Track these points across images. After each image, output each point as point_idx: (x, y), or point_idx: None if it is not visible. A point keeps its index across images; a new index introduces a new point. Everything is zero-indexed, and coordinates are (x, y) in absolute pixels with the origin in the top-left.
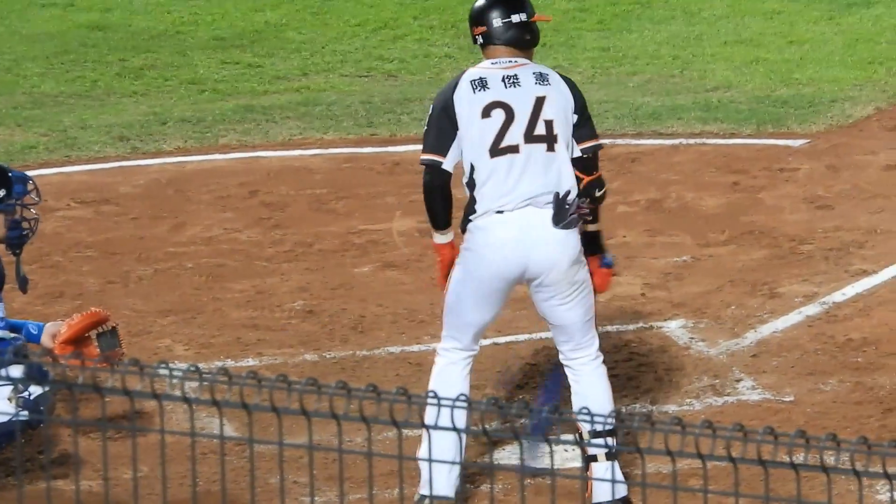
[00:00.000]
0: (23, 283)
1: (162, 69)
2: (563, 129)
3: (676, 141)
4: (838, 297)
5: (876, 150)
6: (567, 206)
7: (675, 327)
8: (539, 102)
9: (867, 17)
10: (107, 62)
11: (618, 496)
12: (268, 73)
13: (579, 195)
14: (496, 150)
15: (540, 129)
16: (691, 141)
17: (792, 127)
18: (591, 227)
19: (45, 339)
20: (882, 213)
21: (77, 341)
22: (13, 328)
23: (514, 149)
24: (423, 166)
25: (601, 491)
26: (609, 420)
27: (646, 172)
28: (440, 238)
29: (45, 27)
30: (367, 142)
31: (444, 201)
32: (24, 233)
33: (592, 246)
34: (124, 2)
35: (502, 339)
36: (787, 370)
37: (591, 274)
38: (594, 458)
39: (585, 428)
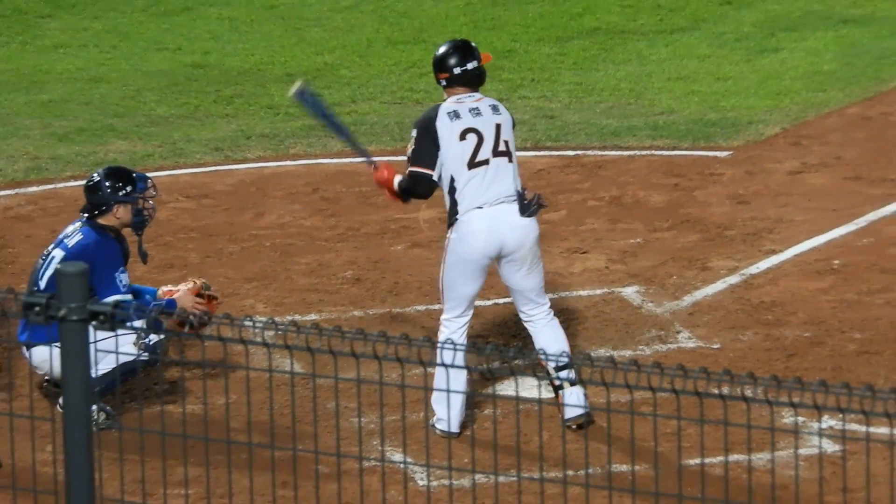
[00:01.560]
0: (143, 257)
1: (247, 97)
2: (512, 145)
3: (632, 152)
4: (753, 269)
5: (781, 159)
6: (528, 201)
7: (630, 292)
8: (498, 127)
9: (776, 60)
10: (206, 92)
11: (585, 408)
12: (326, 101)
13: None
14: (472, 164)
15: (501, 147)
16: (643, 152)
17: (719, 142)
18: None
19: (183, 299)
20: (786, 206)
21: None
22: (134, 292)
23: (485, 162)
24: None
25: (570, 409)
26: (566, 355)
27: (609, 176)
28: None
29: (160, 66)
30: (400, 152)
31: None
32: (145, 218)
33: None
34: (219, 46)
35: (501, 301)
36: (715, 325)
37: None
38: (561, 387)
39: (550, 365)
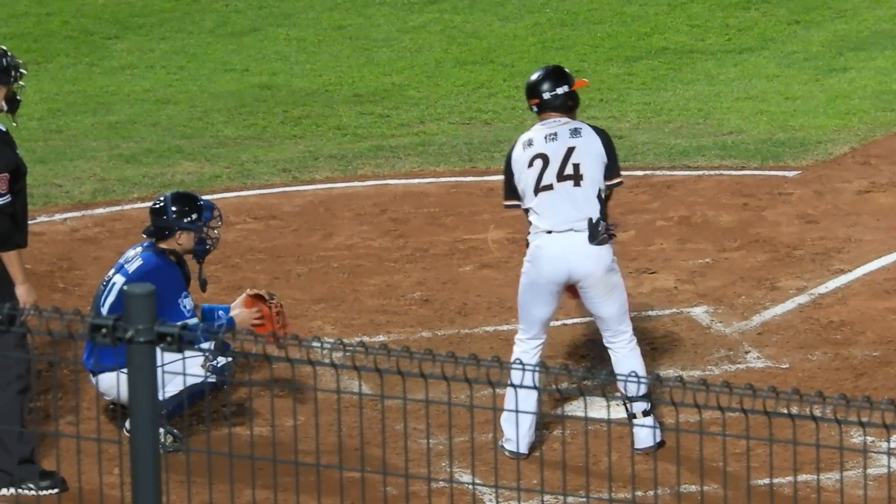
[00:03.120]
0: (203, 285)
1: (315, 118)
2: (590, 170)
3: (700, 172)
4: (822, 289)
5: (850, 179)
6: (599, 229)
7: (699, 312)
8: (570, 151)
9: (844, 80)
10: (273, 113)
11: (656, 441)
12: (394, 121)
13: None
14: (538, 189)
15: (568, 171)
16: (712, 172)
17: (788, 162)
18: None
19: (240, 316)
20: (855, 226)
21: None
22: (206, 311)
23: (549, 187)
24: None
25: (641, 439)
26: (643, 384)
27: (677, 196)
28: None
29: (227, 87)
30: (468, 173)
31: None
32: (207, 247)
33: None
34: (286, 67)
35: (570, 321)
36: (784, 345)
37: None
38: (634, 416)
39: (626, 392)
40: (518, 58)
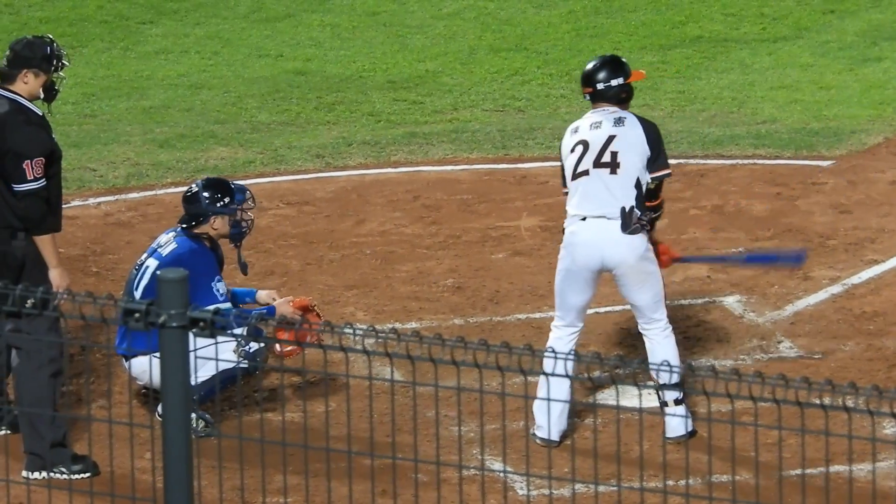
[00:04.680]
0: (244, 268)
1: (348, 104)
2: (628, 159)
3: (734, 161)
4: (855, 279)
5: (884, 169)
6: (632, 218)
7: (732, 301)
8: (610, 139)
9: (879, 70)
10: (307, 99)
11: (687, 430)
12: (428, 108)
13: (643, 214)
14: (575, 175)
15: (606, 158)
16: (745, 161)
17: (821, 151)
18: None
19: (282, 307)
20: (889, 216)
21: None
22: (235, 294)
23: (585, 173)
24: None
25: (672, 428)
26: (675, 373)
27: (710, 185)
28: None
29: (261, 72)
30: (501, 160)
31: None
32: (243, 230)
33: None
34: (320, 53)
35: (602, 310)
36: (817, 334)
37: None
38: (666, 404)
39: (658, 380)
40: (552, 45)
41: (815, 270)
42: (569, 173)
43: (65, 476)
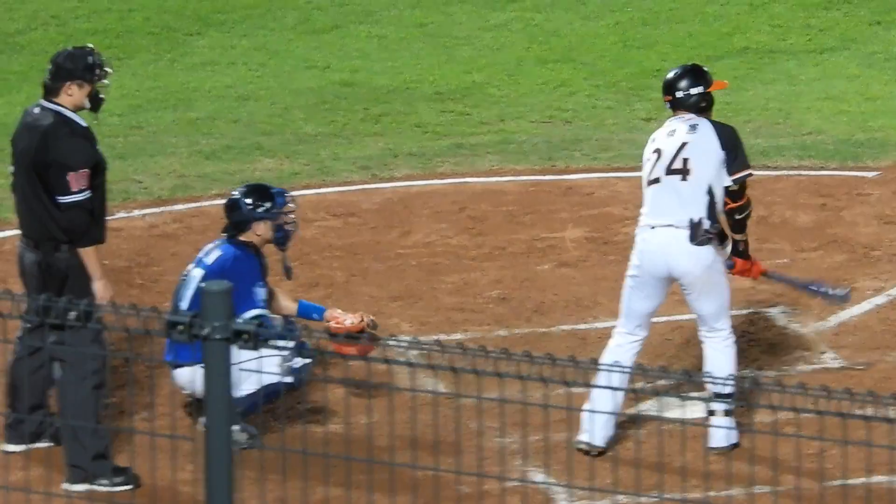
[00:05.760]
0: (288, 272)
1: (395, 116)
2: (700, 166)
3: (779, 172)
4: None
5: None
6: (700, 229)
7: (776, 312)
8: (683, 146)
9: None
10: (353, 110)
11: (731, 442)
12: (474, 119)
13: (726, 214)
14: (648, 182)
15: (677, 165)
16: (791, 172)
17: (867, 162)
18: (737, 236)
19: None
20: None
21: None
22: (306, 308)
23: (657, 180)
24: None
25: (717, 438)
26: (728, 384)
27: (756, 195)
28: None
29: (308, 84)
30: (548, 171)
31: None
32: (287, 233)
33: (742, 252)
34: (367, 65)
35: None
36: (861, 345)
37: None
38: (713, 413)
39: (710, 388)
40: (599, 56)
41: (860, 281)
42: (644, 181)
43: (106, 488)
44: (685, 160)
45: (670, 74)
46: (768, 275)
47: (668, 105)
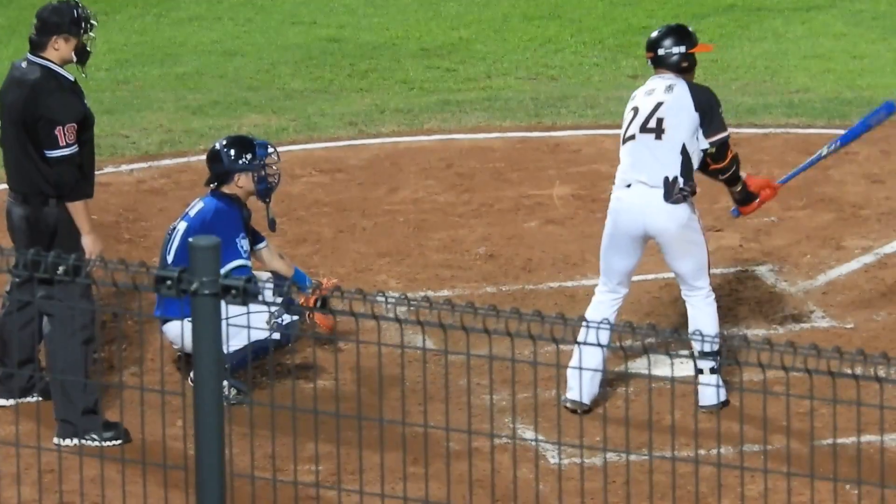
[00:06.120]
0: (272, 224)
1: (381, 72)
2: (674, 125)
3: (767, 130)
4: (888, 249)
5: None
6: (674, 187)
7: (764, 271)
8: (658, 105)
9: None
10: (340, 66)
11: (720, 400)
12: (461, 76)
13: (710, 175)
14: (624, 139)
15: (651, 124)
16: (778, 130)
17: (854, 121)
18: (732, 188)
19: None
20: None
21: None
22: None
23: (632, 137)
24: None
25: (705, 396)
26: (713, 342)
27: (744, 154)
28: None
29: (295, 39)
30: (534, 128)
31: None
32: (270, 185)
33: (742, 199)
34: (354, 21)
35: (635, 279)
36: (849, 304)
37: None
38: (701, 371)
39: (696, 347)
40: (585, 13)
41: (848, 240)
42: (620, 139)
43: (96, 443)
44: (659, 120)
45: (656, 32)
46: (784, 181)
47: (649, 62)
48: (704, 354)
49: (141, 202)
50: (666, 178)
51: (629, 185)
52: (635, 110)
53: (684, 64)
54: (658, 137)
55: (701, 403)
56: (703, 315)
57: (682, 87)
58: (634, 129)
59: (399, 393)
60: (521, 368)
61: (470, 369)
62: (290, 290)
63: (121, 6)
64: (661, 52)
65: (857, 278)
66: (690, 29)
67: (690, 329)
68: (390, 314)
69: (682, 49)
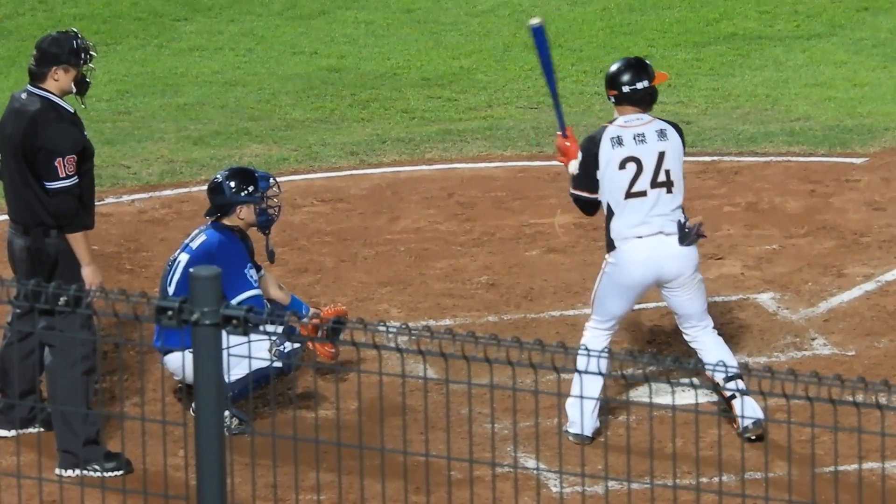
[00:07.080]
0: (271, 256)
1: (383, 101)
2: (677, 172)
3: (768, 158)
4: (889, 276)
5: None
6: (687, 230)
7: (766, 298)
8: (661, 156)
9: None
10: (341, 96)
11: (760, 416)
12: (462, 105)
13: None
14: (629, 195)
15: (661, 178)
16: (779, 158)
17: (855, 148)
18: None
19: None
20: None
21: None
22: (294, 303)
23: (642, 193)
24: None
25: (750, 410)
26: (736, 368)
27: (745, 182)
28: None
29: (296, 69)
30: (535, 157)
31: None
32: (270, 217)
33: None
34: (355, 50)
35: (636, 307)
36: (850, 332)
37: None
38: (733, 397)
39: (719, 377)
40: (586, 42)
41: (849, 267)
42: (619, 191)
43: (98, 474)
44: (667, 172)
45: (613, 68)
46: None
47: (612, 99)
48: (729, 380)
49: (142, 232)
50: (679, 223)
51: (640, 237)
52: (637, 162)
53: (649, 98)
54: (670, 191)
55: (744, 426)
56: (717, 346)
57: (671, 132)
58: (644, 185)
59: (401, 422)
60: (522, 397)
61: (471, 398)
62: (289, 319)
63: (122, 37)
64: (625, 88)
65: (859, 306)
66: (647, 61)
67: (711, 362)
68: (391, 343)
69: (646, 83)
